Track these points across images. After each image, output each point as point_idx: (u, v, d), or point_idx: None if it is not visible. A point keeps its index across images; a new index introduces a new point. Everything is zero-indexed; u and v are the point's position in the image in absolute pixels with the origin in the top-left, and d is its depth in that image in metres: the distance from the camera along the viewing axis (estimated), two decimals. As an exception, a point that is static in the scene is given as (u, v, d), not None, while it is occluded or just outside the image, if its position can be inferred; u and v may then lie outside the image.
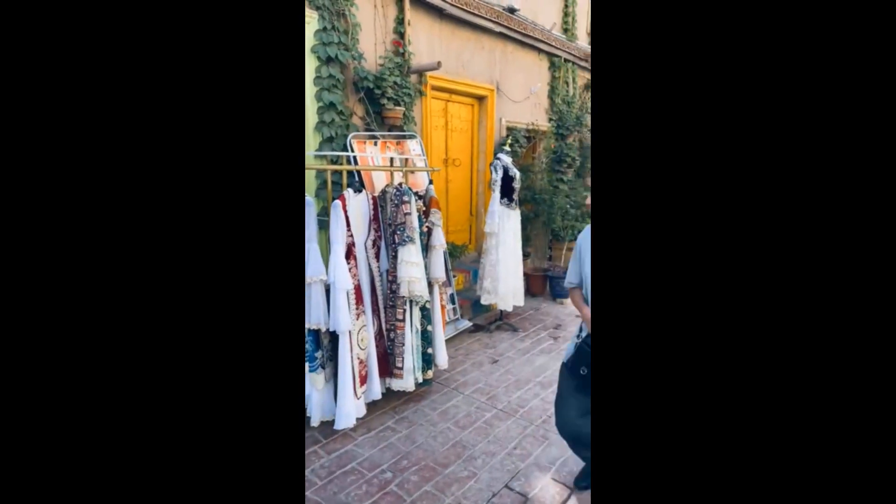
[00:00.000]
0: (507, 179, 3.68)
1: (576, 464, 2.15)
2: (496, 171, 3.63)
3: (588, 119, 6.08)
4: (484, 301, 3.77)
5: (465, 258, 4.64)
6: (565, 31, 5.62)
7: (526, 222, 5.08)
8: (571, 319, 4.19)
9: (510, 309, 3.82)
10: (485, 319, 4.07)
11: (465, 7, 3.99)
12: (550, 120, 5.52)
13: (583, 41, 5.98)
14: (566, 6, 5.61)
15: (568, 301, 4.66)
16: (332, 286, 2.23)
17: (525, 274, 4.91)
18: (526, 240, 5.16)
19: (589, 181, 6.43)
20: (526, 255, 5.18)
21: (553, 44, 5.24)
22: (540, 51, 5.19)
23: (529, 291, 4.95)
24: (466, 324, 3.85)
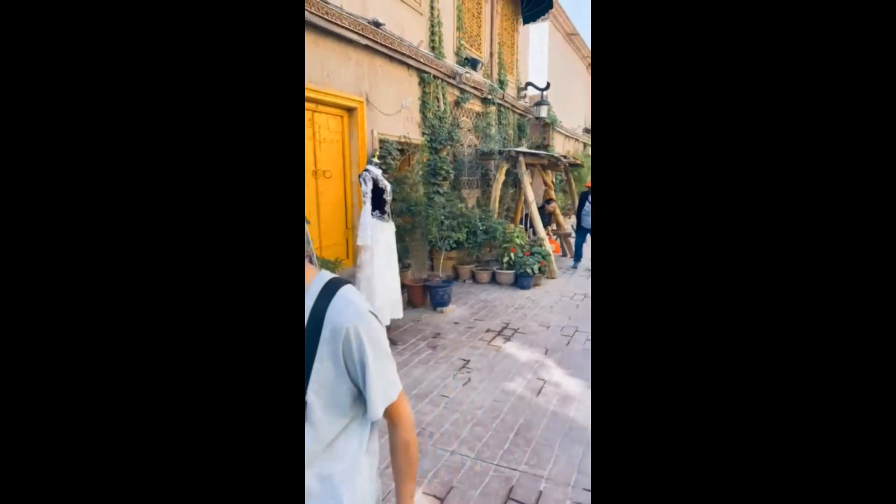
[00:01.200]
0: (377, 191, 3.64)
1: (447, 472, 2.16)
2: (365, 183, 3.57)
3: (459, 134, 6.38)
4: (360, 317, 3.66)
5: (342, 273, 4.47)
6: (433, 48, 5.85)
7: (404, 234, 5.10)
8: (451, 328, 4.29)
9: (388, 322, 3.77)
10: (363, 335, 3.95)
11: (326, 16, 3.89)
12: (423, 134, 5.66)
13: (450, 59, 6.28)
14: (433, 25, 5.84)
15: (448, 310, 4.78)
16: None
17: (405, 285, 4.92)
18: (405, 251, 5.18)
19: (464, 192, 6.74)
20: (406, 267, 5.20)
21: (422, 60, 5.41)
22: (409, 66, 5.31)
23: (411, 303, 4.96)
24: (343, 342, 3.69)
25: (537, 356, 3.59)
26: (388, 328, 4.06)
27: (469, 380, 3.16)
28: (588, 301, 5.23)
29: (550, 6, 8.58)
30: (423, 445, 2.38)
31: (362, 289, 3.63)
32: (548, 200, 8.07)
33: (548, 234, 7.77)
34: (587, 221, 6.91)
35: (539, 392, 2.98)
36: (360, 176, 3.66)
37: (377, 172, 3.69)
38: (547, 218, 7.86)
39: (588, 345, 3.85)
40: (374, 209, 3.62)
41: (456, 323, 4.42)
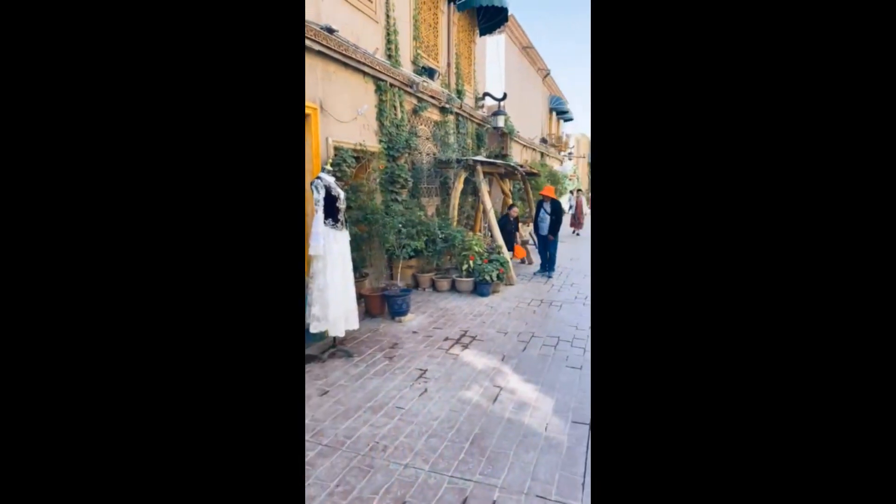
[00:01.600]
0: (330, 199, 3.55)
1: (399, 486, 2.11)
2: (317, 190, 3.48)
3: (417, 142, 6.38)
4: (313, 329, 3.54)
5: (296, 284, 4.32)
6: (389, 57, 5.83)
7: (361, 242, 5.02)
8: (409, 337, 4.24)
9: (342, 334, 3.67)
10: (318, 349, 3.82)
11: (276, 20, 3.78)
12: (381, 141, 5.62)
13: (407, 68, 6.29)
14: (388, 34, 5.84)
15: (406, 319, 4.72)
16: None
17: (363, 295, 4.82)
18: (362, 260, 5.09)
19: (424, 200, 6.72)
20: (363, 276, 5.10)
21: (378, 68, 5.38)
22: (365, 74, 5.26)
23: (369, 312, 4.87)
24: (296, 356, 3.55)
25: (494, 363, 3.60)
26: (345, 340, 3.96)
27: (426, 390, 3.12)
28: (544, 307, 5.33)
29: (506, 20, 8.80)
30: (376, 460, 2.31)
31: (314, 300, 3.52)
32: (510, 206, 8.12)
33: (518, 241, 7.83)
34: (543, 228, 7.07)
35: (495, 399, 2.99)
36: (311, 184, 3.56)
37: (330, 180, 3.61)
38: (514, 224, 7.86)
39: (543, 350, 3.91)
40: (326, 217, 3.53)
41: (414, 332, 4.37)
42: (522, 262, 8.24)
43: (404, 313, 4.74)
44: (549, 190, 7.21)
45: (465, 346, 3.98)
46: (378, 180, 5.45)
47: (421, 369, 3.48)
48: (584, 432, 2.56)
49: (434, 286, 6.18)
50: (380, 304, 4.85)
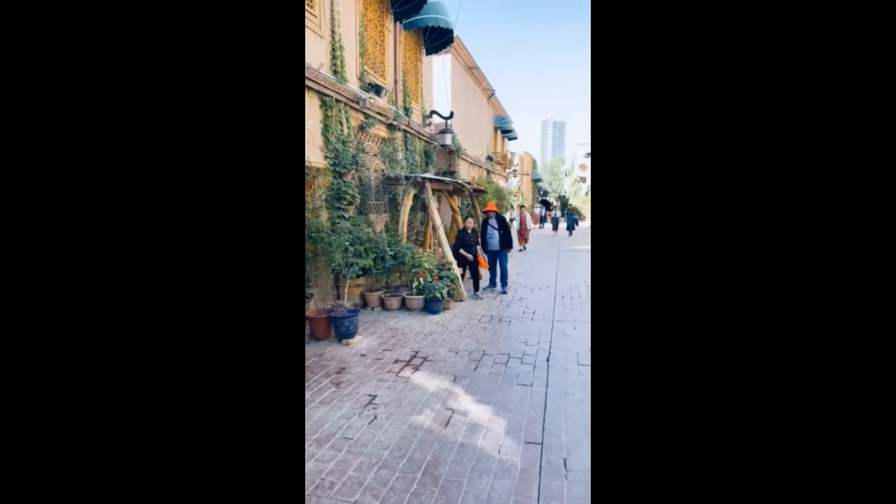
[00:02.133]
0: (271, 219, 3.36)
1: (348, 528, 1.97)
2: (257, 210, 3.29)
3: (364, 159, 6.27)
4: (252, 357, 3.29)
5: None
6: (335, 72, 5.73)
7: (305, 262, 4.80)
8: (357, 361, 4.08)
9: (285, 361, 3.45)
10: (257, 377, 3.56)
11: (211, 30, 3.58)
12: (326, 157, 5.47)
13: (353, 84, 6.21)
14: (334, 49, 5.74)
15: (354, 341, 4.55)
16: None
17: (307, 317, 4.59)
18: (306, 280, 4.86)
19: (372, 216, 6.60)
20: (308, 297, 4.87)
21: (323, 83, 5.25)
22: (309, 88, 5.12)
23: (314, 336, 4.64)
24: (232, 387, 3.28)
25: (446, 384, 3.54)
26: (287, 366, 3.72)
27: (375, 417, 2.99)
28: (494, 323, 5.37)
29: (451, 41, 9.00)
30: (322, 500, 2.15)
31: (255, 325, 3.29)
32: (465, 218, 7.97)
33: (480, 253, 7.71)
34: (493, 244, 7.16)
35: (447, 423, 2.92)
36: (251, 202, 3.36)
37: (271, 198, 3.42)
38: (473, 236, 7.65)
39: (495, 368, 3.91)
40: (267, 238, 3.34)
41: (363, 355, 4.22)
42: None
43: (352, 335, 4.57)
44: (492, 206, 7.34)
45: (416, 368, 3.88)
46: (324, 197, 5.28)
47: (370, 395, 3.34)
48: (537, 453, 2.56)
49: (383, 305, 6.03)
50: (325, 326, 4.64)
